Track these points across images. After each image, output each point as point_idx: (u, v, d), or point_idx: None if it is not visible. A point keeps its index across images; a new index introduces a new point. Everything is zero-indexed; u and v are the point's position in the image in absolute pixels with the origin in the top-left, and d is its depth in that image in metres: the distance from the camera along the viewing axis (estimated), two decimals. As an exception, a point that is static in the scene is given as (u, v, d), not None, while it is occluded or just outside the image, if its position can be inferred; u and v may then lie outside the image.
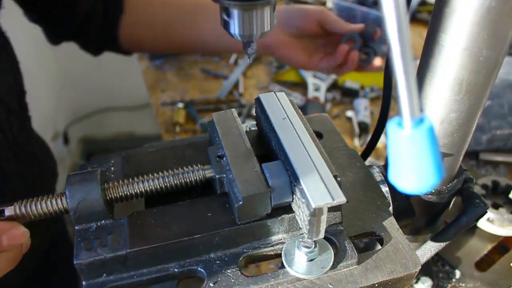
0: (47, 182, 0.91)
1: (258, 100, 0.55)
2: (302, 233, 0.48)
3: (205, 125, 1.21)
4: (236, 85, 1.35)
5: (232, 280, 0.44)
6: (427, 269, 0.77)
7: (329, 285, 0.45)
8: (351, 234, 0.49)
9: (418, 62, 0.51)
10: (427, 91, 0.50)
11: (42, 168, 0.89)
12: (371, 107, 1.25)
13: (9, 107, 0.78)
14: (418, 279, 0.75)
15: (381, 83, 0.58)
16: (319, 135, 0.62)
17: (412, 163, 0.31)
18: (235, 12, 0.45)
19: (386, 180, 0.56)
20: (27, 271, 0.82)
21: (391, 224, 0.51)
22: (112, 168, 0.55)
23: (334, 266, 0.45)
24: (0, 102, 0.76)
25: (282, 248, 0.47)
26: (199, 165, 0.50)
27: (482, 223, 0.81)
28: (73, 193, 0.45)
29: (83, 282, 0.44)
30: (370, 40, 0.95)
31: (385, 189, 0.55)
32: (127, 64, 2.15)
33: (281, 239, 0.48)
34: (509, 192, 0.85)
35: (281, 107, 0.53)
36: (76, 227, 0.46)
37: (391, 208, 0.53)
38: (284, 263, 0.45)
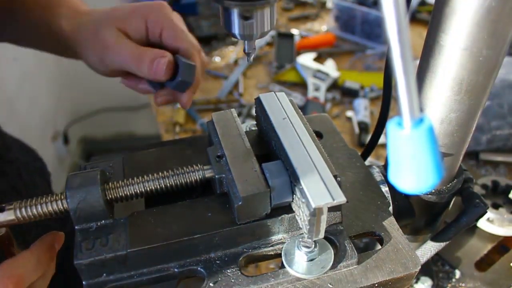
0: (41, 186, 0.88)
1: (258, 100, 0.55)
2: (302, 233, 0.48)
3: (205, 125, 1.21)
4: (236, 85, 1.35)
5: (232, 280, 0.44)
6: (427, 269, 0.77)
7: (329, 285, 0.45)
8: (351, 234, 0.49)
9: (418, 62, 0.51)
10: (427, 91, 0.50)
11: (32, 175, 0.86)
12: (371, 107, 1.25)
13: None
14: (418, 279, 0.75)
15: (381, 83, 0.58)
16: (319, 135, 0.62)
17: (412, 163, 0.31)
18: (235, 13, 0.45)
19: (386, 180, 0.56)
20: None
21: (391, 224, 0.51)
22: (112, 168, 0.55)
23: (334, 266, 0.45)
24: None
25: (282, 248, 0.47)
26: (199, 165, 0.50)
27: (482, 223, 0.81)
28: (73, 193, 0.45)
29: (83, 282, 0.44)
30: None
31: (385, 189, 0.55)
32: (127, 64, 2.15)
33: (281, 239, 0.48)
34: (509, 192, 0.85)
35: (281, 107, 0.53)
36: (76, 227, 0.46)
37: (391, 208, 0.53)
38: (284, 263, 0.45)
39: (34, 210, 0.46)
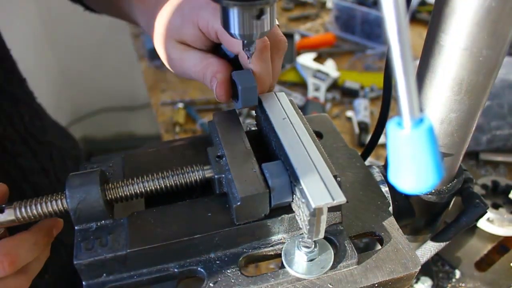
0: (72, 171, 0.90)
1: (258, 100, 0.55)
2: (302, 233, 0.48)
3: (205, 125, 1.21)
4: (236, 85, 1.35)
5: (232, 280, 0.44)
6: (427, 269, 0.77)
7: (329, 285, 0.45)
8: (351, 234, 0.49)
9: (418, 62, 0.51)
10: (427, 91, 0.50)
11: (64, 158, 0.88)
12: (371, 107, 1.25)
13: (13, 95, 0.77)
14: (418, 279, 0.75)
15: (381, 83, 0.58)
16: (319, 135, 0.62)
17: (411, 163, 0.31)
18: (234, 12, 0.45)
19: (386, 180, 0.56)
20: None
21: (391, 224, 0.51)
22: (112, 168, 0.55)
23: (334, 266, 0.45)
24: (2, 90, 0.73)
25: (282, 248, 0.47)
26: (198, 165, 0.50)
27: (482, 223, 0.81)
28: (73, 193, 0.45)
29: (83, 282, 0.44)
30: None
31: (385, 189, 0.55)
32: (127, 64, 2.15)
33: (281, 239, 0.48)
34: (509, 192, 0.85)
35: (281, 107, 0.53)
36: (76, 227, 0.46)
37: (391, 208, 0.53)
38: (284, 263, 0.45)
39: (34, 211, 0.46)
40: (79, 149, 1.01)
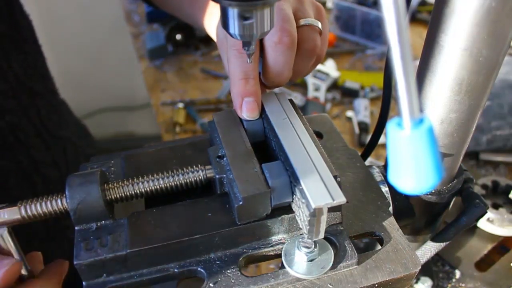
0: None
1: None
2: (302, 233, 0.48)
3: (205, 125, 1.21)
4: (236, 85, 1.35)
5: (232, 280, 0.44)
6: (427, 269, 0.77)
7: (329, 285, 0.45)
8: (351, 234, 0.49)
9: (418, 62, 0.51)
10: (427, 91, 0.50)
11: (78, 154, 0.90)
12: (371, 107, 1.25)
13: (31, 89, 0.78)
14: (418, 279, 0.75)
15: (381, 83, 0.58)
16: (319, 135, 0.62)
17: (411, 164, 0.31)
18: (234, 12, 0.45)
19: (386, 180, 0.56)
20: None
21: (391, 224, 0.51)
22: (112, 169, 0.55)
23: (334, 266, 0.45)
24: (21, 84, 0.75)
25: (282, 248, 0.47)
26: (199, 166, 0.50)
27: (482, 223, 0.81)
28: (73, 194, 0.45)
29: (83, 283, 0.44)
30: None
31: (385, 189, 0.55)
32: (127, 64, 2.15)
33: (281, 239, 0.48)
34: (509, 192, 0.85)
35: (281, 107, 0.53)
36: (76, 228, 0.46)
37: (391, 208, 0.53)
38: (284, 263, 0.45)
39: (34, 210, 0.46)
40: (95, 148, 1.03)
